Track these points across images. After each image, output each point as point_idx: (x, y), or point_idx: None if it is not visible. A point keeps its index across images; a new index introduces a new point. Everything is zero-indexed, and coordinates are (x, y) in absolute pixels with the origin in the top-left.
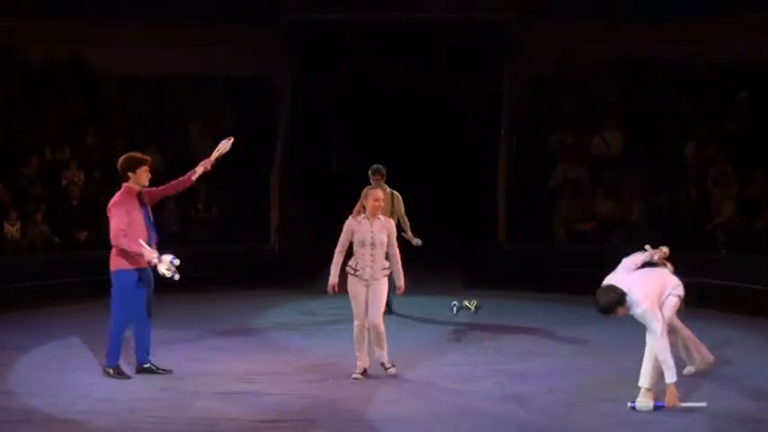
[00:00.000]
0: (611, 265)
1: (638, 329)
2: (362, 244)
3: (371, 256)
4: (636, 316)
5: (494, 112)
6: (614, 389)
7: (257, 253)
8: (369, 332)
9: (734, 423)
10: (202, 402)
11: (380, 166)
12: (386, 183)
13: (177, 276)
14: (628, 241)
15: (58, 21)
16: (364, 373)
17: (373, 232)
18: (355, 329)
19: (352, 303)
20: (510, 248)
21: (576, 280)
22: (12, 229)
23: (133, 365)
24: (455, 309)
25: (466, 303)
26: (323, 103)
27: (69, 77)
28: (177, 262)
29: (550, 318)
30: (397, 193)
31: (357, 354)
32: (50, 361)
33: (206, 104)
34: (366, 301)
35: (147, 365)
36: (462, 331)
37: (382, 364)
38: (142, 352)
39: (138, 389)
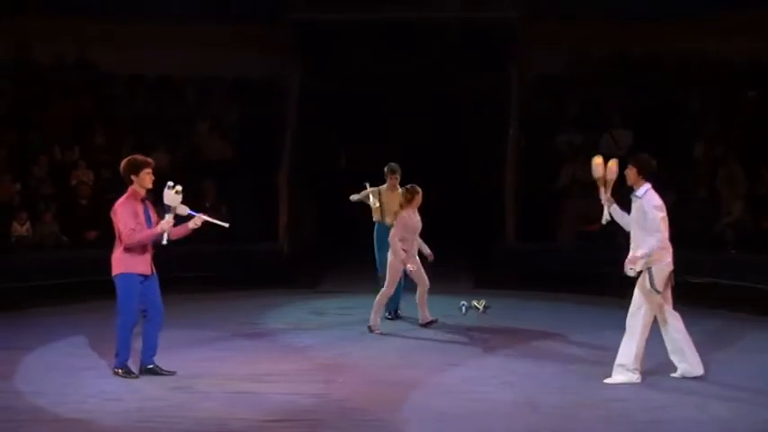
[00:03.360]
0: (619, 265)
1: None
2: (414, 231)
3: (414, 240)
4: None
5: (501, 112)
6: (623, 390)
7: (265, 253)
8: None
9: (742, 424)
10: (210, 402)
11: (396, 166)
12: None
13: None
14: None
15: (65, 20)
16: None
17: (419, 221)
18: (382, 296)
19: (393, 274)
20: (518, 248)
21: (584, 280)
22: (21, 229)
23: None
24: (464, 309)
25: (474, 303)
26: (330, 101)
27: (77, 77)
28: (179, 187)
29: (558, 318)
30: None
31: (373, 315)
32: (58, 360)
33: (213, 103)
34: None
35: (151, 366)
36: (471, 331)
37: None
38: (147, 353)
39: (146, 389)
